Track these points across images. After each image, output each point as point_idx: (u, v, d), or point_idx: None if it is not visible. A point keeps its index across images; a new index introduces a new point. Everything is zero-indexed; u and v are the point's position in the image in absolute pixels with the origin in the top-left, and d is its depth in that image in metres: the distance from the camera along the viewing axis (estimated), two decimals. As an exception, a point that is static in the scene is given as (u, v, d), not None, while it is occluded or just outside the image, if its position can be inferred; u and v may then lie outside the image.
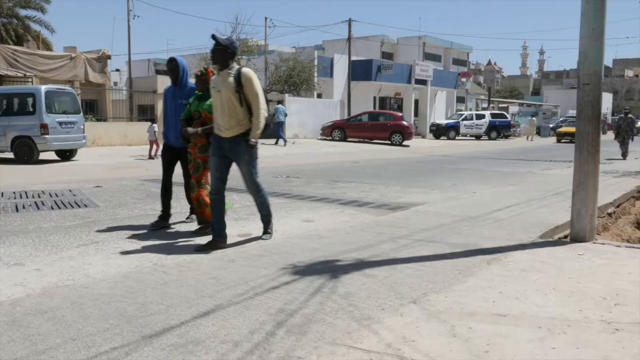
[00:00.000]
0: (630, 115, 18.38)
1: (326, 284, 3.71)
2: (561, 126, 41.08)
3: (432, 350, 2.65)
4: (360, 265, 4.20)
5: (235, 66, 4.88)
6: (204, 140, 5.44)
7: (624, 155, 17.59)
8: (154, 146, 15.70)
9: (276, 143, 23.00)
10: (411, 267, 4.14)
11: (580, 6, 4.90)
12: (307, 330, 2.90)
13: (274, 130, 23.29)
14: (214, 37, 4.80)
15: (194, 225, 5.97)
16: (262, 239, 5.24)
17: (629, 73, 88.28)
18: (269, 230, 5.37)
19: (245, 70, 4.83)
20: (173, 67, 5.77)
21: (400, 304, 3.33)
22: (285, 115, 23.74)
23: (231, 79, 4.78)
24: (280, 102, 24.37)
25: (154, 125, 15.93)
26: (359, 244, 4.92)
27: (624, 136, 17.77)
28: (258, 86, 4.83)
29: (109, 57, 24.43)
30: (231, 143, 4.88)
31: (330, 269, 4.09)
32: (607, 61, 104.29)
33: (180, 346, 2.70)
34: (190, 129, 5.36)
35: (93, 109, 22.85)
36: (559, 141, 32.73)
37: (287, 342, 2.75)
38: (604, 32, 4.89)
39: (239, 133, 4.83)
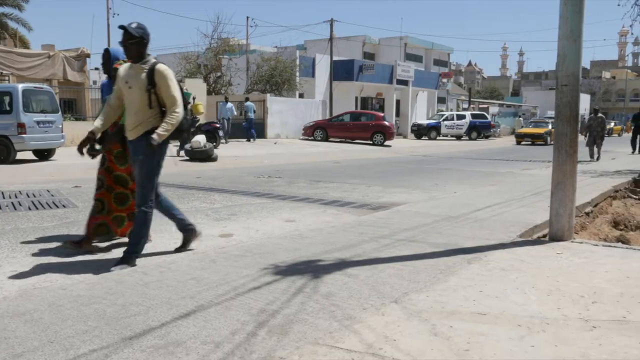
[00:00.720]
0: (600, 115, 17.80)
1: (308, 284, 3.71)
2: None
3: (413, 349, 2.67)
4: (342, 265, 4.20)
5: (151, 60, 4.28)
6: (119, 146, 4.74)
7: (593, 156, 16.99)
8: None
9: (249, 140, 23.17)
10: (393, 267, 4.16)
11: (559, 8, 4.97)
12: (289, 330, 2.89)
13: (247, 127, 23.27)
14: (123, 27, 4.17)
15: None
16: (113, 269, 4.16)
17: (606, 75, 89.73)
18: (130, 261, 4.31)
19: (160, 67, 4.22)
20: (105, 59, 5.14)
21: (381, 303, 3.34)
22: (254, 111, 23.83)
23: (144, 76, 4.19)
24: (247, 99, 24.35)
25: None
26: (341, 244, 4.93)
27: (594, 137, 17.15)
28: (174, 85, 4.25)
29: (88, 55, 24.15)
30: (133, 144, 4.32)
31: (312, 269, 4.09)
32: (585, 63, 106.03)
33: (161, 347, 2.67)
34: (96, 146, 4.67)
35: (72, 108, 22.56)
36: (518, 143, 29.73)
37: (268, 342, 2.74)
38: (582, 34, 4.96)
39: (142, 132, 4.23)
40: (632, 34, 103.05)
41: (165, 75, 4.20)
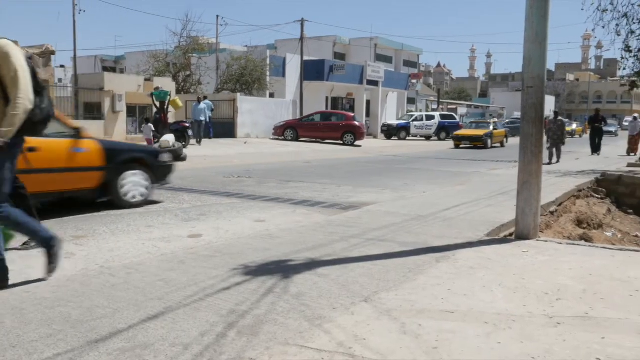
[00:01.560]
0: (560, 118, 17.38)
1: (278, 284, 3.70)
2: (507, 129, 41.62)
3: (382, 348, 2.69)
4: (312, 265, 4.21)
5: None
6: None
7: (551, 159, 16.32)
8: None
9: (208, 137, 22.60)
10: (362, 266, 4.18)
11: (525, 12, 5.06)
12: (259, 331, 2.88)
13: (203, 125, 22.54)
14: None
15: (143, 228, 5.81)
16: (50, 276, 3.83)
17: (570, 77, 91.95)
18: (52, 262, 3.85)
19: None
20: None
21: (351, 302, 3.35)
22: (212, 110, 23.32)
23: None
24: (205, 97, 23.87)
25: (150, 124, 17.42)
26: (311, 244, 4.93)
27: (554, 139, 16.60)
28: (18, 63, 3.47)
29: (52, 52, 23.58)
30: None
31: (282, 269, 4.08)
32: (550, 65, 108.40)
33: (128, 350, 2.63)
34: None
35: (36, 106, 21.98)
36: (457, 146, 26.40)
37: (238, 343, 2.72)
38: (547, 37, 5.07)
39: None
40: (595, 37, 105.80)
41: (6, 52, 3.47)
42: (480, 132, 26.66)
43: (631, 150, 20.92)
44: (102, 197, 7.03)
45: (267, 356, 2.58)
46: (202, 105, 21.95)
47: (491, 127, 27.40)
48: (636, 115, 22.30)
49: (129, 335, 2.81)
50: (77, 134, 6.54)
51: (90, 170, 6.69)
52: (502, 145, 28.09)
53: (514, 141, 31.08)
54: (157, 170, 7.62)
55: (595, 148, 20.43)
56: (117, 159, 7.02)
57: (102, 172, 6.79)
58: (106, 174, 6.84)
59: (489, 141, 26.24)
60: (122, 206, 7.03)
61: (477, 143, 25.98)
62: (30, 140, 5.00)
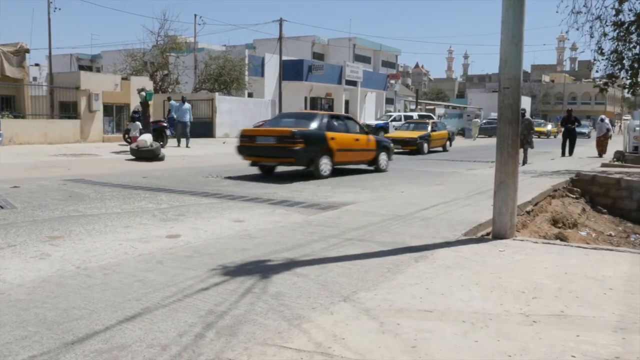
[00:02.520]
0: (527, 117, 16.66)
1: (257, 284, 3.69)
2: (487, 128, 41.92)
3: (361, 347, 2.70)
4: (291, 264, 4.21)
5: None
6: None
7: (524, 161, 15.47)
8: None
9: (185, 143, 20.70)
10: (341, 266, 4.19)
11: (501, 14, 5.13)
12: (238, 331, 2.87)
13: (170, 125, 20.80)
14: None
15: (110, 228, 5.75)
16: None
17: (546, 78, 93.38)
18: None
19: None
20: None
21: (330, 302, 3.36)
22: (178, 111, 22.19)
23: None
24: (169, 98, 22.92)
25: (137, 123, 17.68)
26: (290, 244, 4.93)
27: (521, 140, 14.42)
28: None
29: (27, 50, 23.15)
30: None
31: (261, 269, 4.07)
32: (526, 66, 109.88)
33: (105, 352, 2.60)
34: None
35: (10, 105, 21.58)
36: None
37: (217, 343, 2.71)
38: (523, 39, 5.14)
39: None
40: (568, 39, 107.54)
41: None
42: (414, 134, 22.34)
43: (599, 151, 20.23)
44: (371, 166, 13.00)
45: (246, 356, 2.58)
46: (187, 105, 20.97)
47: (429, 129, 22.92)
48: (603, 116, 22.04)
49: (106, 337, 2.78)
50: (367, 132, 13.37)
51: (372, 151, 12.83)
52: (445, 150, 23.93)
53: (461, 143, 30.43)
54: (390, 152, 13.76)
55: (567, 150, 19.69)
56: (379, 145, 13.15)
57: (375, 152, 12.91)
58: (375, 153, 12.92)
59: (425, 145, 21.91)
60: (379, 171, 13.01)
61: (410, 147, 21.65)
62: (356, 135, 12.44)
